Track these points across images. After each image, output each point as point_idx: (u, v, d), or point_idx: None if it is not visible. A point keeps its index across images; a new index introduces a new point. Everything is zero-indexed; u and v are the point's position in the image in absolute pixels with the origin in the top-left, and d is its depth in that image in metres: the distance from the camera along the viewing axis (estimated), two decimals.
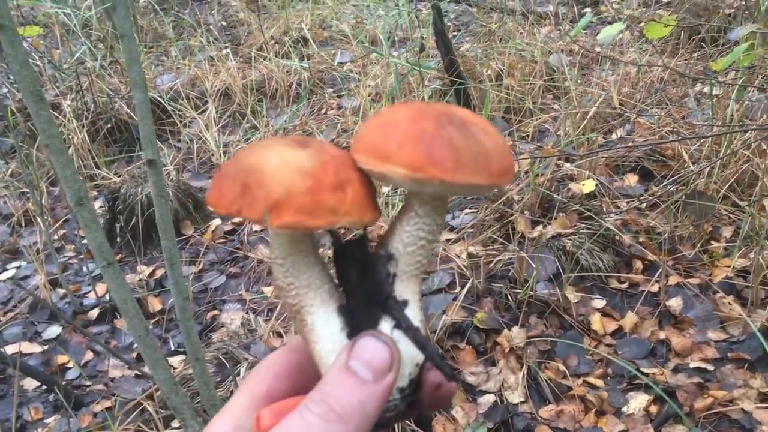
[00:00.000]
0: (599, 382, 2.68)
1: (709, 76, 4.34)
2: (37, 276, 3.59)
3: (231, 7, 7.59)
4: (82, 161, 4.55)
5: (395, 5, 6.46)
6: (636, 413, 2.52)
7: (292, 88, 5.44)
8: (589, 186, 3.42)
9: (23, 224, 4.19)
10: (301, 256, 0.64)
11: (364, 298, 0.65)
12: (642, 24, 2.52)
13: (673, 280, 3.05)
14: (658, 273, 3.04)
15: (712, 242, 3.24)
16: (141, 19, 6.82)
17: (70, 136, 4.55)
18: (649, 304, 3.00)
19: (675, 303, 2.96)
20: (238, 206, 0.58)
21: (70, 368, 3.10)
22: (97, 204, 4.26)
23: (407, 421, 2.39)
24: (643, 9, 6.15)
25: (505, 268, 3.15)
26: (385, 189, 3.61)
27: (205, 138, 4.75)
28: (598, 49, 5.22)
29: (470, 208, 3.63)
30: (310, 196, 0.57)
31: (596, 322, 2.93)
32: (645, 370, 2.67)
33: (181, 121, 5.00)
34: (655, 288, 3.04)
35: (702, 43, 5.03)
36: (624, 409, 2.55)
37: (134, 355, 3.11)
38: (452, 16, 6.89)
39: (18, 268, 3.85)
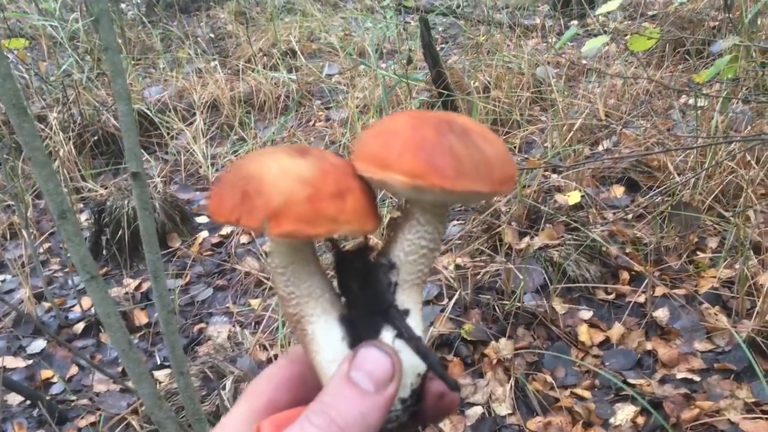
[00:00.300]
0: (587, 394, 2.68)
1: (693, 88, 4.38)
2: (22, 289, 3.56)
3: (219, 19, 7.59)
4: (69, 173, 4.52)
5: (383, 18, 6.49)
6: (623, 425, 2.52)
7: (281, 100, 5.44)
8: (574, 197, 3.44)
9: (8, 237, 4.16)
10: (301, 265, 0.64)
11: (365, 307, 0.64)
12: (627, 36, 2.54)
13: (660, 290, 3.06)
14: (645, 284, 3.05)
15: (698, 253, 3.26)
16: (129, 32, 6.81)
17: (56, 148, 4.53)
18: (636, 314, 3.01)
19: (661, 314, 2.97)
20: (238, 214, 0.57)
21: (54, 383, 3.07)
22: (83, 216, 4.23)
23: None
24: (629, 21, 6.21)
25: (492, 279, 3.16)
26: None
27: (193, 150, 4.74)
28: (584, 62, 5.26)
29: (458, 220, 3.64)
30: (310, 205, 0.57)
31: (583, 333, 2.94)
32: (632, 381, 2.68)
33: (168, 133, 4.99)
34: (641, 299, 3.05)
35: (686, 56, 5.08)
36: (611, 420, 2.55)
37: (119, 369, 3.08)
38: (440, 29, 6.93)
39: (2, 281, 3.81)
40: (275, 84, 5.59)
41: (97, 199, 4.02)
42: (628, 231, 3.38)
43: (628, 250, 3.28)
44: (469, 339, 2.88)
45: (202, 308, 3.44)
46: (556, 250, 3.20)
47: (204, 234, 3.98)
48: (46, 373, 3.10)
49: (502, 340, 2.86)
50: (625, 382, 2.66)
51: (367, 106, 4.87)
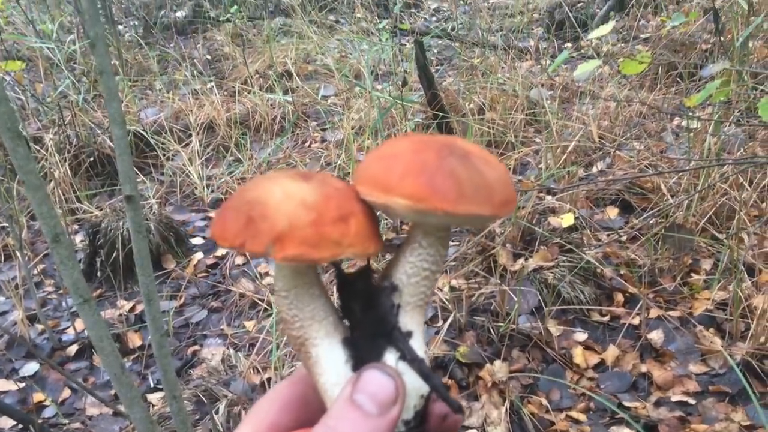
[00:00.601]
0: (582, 417, 2.67)
1: (684, 111, 4.41)
2: (15, 311, 3.54)
3: (216, 41, 7.64)
4: (64, 195, 4.51)
5: (379, 40, 6.54)
6: None
7: (276, 122, 5.46)
8: (568, 219, 3.45)
9: (2, 259, 4.14)
10: (304, 288, 0.64)
11: (368, 329, 0.64)
12: (621, 59, 2.57)
13: (654, 312, 3.07)
14: (639, 306, 3.05)
15: (692, 275, 3.27)
16: (126, 53, 6.84)
17: (51, 170, 4.53)
18: (631, 337, 3.01)
19: (656, 336, 2.97)
20: (242, 239, 0.58)
21: (47, 406, 3.04)
22: (78, 238, 4.22)
23: None
24: (622, 44, 6.27)
25: (487, 301, 3.16)
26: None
27: (189, 171, 4.75)
28: (578, 84, 5.31)
29: (452, 242, 3.64)
30: (314, 229, 0.57)
31: (578, 355, 2.93)
32: (627, 404, 2.67)
33: (164, 155, 5.00)
34: (636, 321, 3.05)
35: (679, 79, 5.13)
36: None
37: (112, 392, 3.06)
38: (435, 51, 6.99)
39: None
40: (271, 105, 5.62)
41: (92, 220, 4.01)
42: (622, 253, 3.39)
43: (622, 272, 3.29)
44: (463, 361, 2.87)
45: (196, 330, 3.42)
46: (551, 272, 3.21)
47: (199, 255, 3.98)
48: (38, 396, 3.08)
49: (497, 363, 2.85)
50: (620, 405, 2.65)
51: (362, 127, 4.89)
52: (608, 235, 3.56)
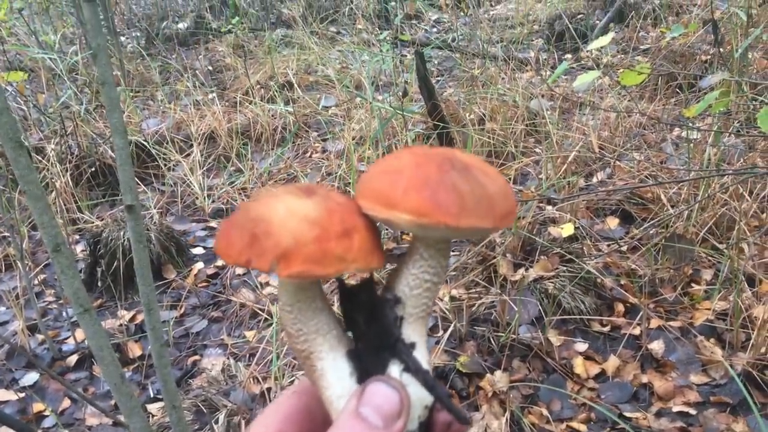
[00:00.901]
0: (583, 427, 2.66)
1: (684, 122, 4.43)
2: (15, 321, 3.54)
3: (218, 52, 7.68)
4: (65, 205, 4.52)
5: (379, 51, 6.57)
6: None
7: (277, 132, 5.48)
8: (568, 229, 3.45)
9: (3, 269, 4.15)
10: (308, 303, 0.65)
11: (372, 341, 0.65)
12: (620, 70, 2.59)
13: (655, 323, 3.06)
14: (640, 316, 3.05)
15: (693, 285, 3.27)
16: (128, 64, 6.87)
17: (53, 180, 4.54)
18: (631, 347, 3.01)
19: (657, 346, 2.96)
20: (247, 257, 0.59)
21: (47, 416, 3.04)
22: (79, 247, 4.22)
23: None
24: (622, 55, 6.29)
25: (487, 311, 3.15)
26: None
27: (190, 181, 4.76)
28: (579, 95, 5.32)
29: (453, 251, 3.64)
30: (318, 245, 0.58)
31: (579, 365, 2.93)
32: (628, 414, 2.67)
33: (165, 165, 5.01)
34: (636, 331, 3.05)
35: (678, 89, 5.14)
36: None
37: (112, 402, 3.05)
38: (435, 62, 7.02)
39: None
40: (272, 116, 5.64)
41: (93, 230, 4.02)
42: (622, 263, 3.39)
43: (622, 282, 3.29)
44: (464, 371, 2.87)
45: (196, 340, 3.42)
46: (551, 282, 3.21)
47: (199, 265, 3.98)
48: (38, 406, 3.07)
49: (498, 373, 2.85)
50: (621, 415, 2.64)
51: (363, 137, 4.91)
52: (609, 245, 3.56)
